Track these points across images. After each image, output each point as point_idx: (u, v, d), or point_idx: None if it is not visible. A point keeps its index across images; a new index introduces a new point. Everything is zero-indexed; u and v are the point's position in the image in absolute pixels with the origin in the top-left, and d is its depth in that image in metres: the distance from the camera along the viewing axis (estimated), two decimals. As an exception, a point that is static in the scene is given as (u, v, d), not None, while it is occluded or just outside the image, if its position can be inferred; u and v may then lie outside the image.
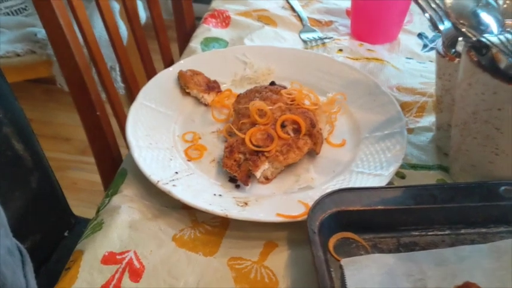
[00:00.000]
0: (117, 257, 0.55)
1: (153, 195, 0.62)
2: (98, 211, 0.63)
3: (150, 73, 1.13)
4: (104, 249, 0.56)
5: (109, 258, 0.55)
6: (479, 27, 0.52)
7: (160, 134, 0.69)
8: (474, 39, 0.52)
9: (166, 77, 0.78)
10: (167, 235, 0.58)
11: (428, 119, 0.76)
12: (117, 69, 1.74)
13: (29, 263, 0.45)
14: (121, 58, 1.02)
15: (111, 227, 0.58)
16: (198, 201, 0.59)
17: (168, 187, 0.60)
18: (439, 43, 0.64)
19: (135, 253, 0.56)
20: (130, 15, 1.05)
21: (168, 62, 1.19)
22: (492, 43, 0.49)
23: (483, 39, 0.50)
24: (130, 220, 0.59)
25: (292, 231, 0.59)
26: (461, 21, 0.53)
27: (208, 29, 0.94)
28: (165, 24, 1.15)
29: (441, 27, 0.61)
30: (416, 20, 0.98)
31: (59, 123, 2.09)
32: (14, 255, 0.43)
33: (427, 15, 0.61)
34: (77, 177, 1.86)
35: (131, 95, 1.08)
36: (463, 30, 0.52)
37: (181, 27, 1.25)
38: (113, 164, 1.06)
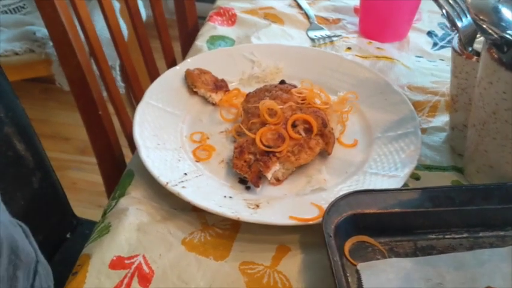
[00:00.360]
0: (126, 261, 0.53)
1: (162, 197, 0.60)
2: (104, 213, 0.61)
3: (152, 72, 1.12)
4: (112, 253, 0.54)
5: (117, 263, 0.53)
6: (500, 23, 0.51)
7: (167, 134, 0.67)
8: (496, 35, 0.50)
9: (173, 76, 0.76)
10: (177, 238, 0.56)
11: (441, 119, 0.74)
12: (117, 68, 1.72)
13: (31, 235, 0.45)
14: (122, 56, 1.00)
15: (118, 230, 0.56)
16: (208, 204, 0.57)
17: (177, 189, 0.58)
18: (455, 41, 0.62)
19: (143, 257, 0.54)
20: (132, 13, 1.03)
21: (170, 61, 1.17)
22: (516, 40, 0.48)
23: (507, 36, 0.48)
24: (138, 223, 0.57)
25: (305, 234, 0.58)
26: (481, 18, 0.51)
27: (214, 27, 0.92)
28: (167, 22, 1.13)
29: (458, 24, 0.59)
30: (426, 18, 0.96)
31: (58, 122, 2.07)
32: (16, 226, 0.43)
33: (444, 11, 0.59)
34: (77, 177, 1.84)
35: (133, 93, 1.07)
36: (484, 26, 0.51)
37: (183, 26, 1.23)
38: (115, 163, 1.04)
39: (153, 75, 1.11)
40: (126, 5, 1.03)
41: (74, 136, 2.00)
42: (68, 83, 0.96)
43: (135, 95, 1.05)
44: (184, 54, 1.21)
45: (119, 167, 1.03)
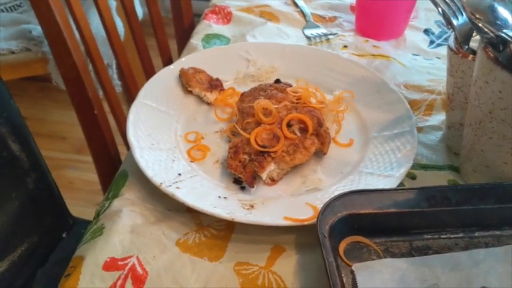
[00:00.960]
0: (119, 262, 0.53)
1: (156, 198, 0.60)
2: (97, 215, 0.61)
3: (148, 70, 1.11)
4: (106, 255, 0.54)
5: (111, 265, 0.53)
6: (496, 22, 0.50)
7: (162, 134, 0.67)
8: (492, 34, 0.49)
9: (167, 75, 0.75)
10: (171, 240, 0.56)
11: (437, 118, 0.74)
12: (114, 66, 1.72)
13: None
14: (118, 55, 1.00)
15: (112, 231, 0.56)
16: (202, 204, 0.57)
17: (171, 190, 0.58)
18: (451, 39, 0.62)
19: (137, 259, 0.54)
20: (127, 12, 1.03)
21: (166, 59, 1.17)
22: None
23: (502, 35, 0.48)
24: (132, 224, 0.57)
25: (300, 235, 0.57)
26: (477, 16, 0.51)
27: (209, 25, 0.92)
28: (163, 20, 1.13)
29: (454, 22, 0.59)
30: (422, 16, 0.96)
31: (55, 121, 2.06)
32: None
33: (440, 9, 0.59)
34: (73, 176, 1.84)
35: (129, 92, 1.06)
36: (480, 25, 0.50)
37: (179, 24, 1.23)
38: (111, 163, 1.04)
39: (149, 73, 1.10)
40: (121, 3, 1.02)
41: (71, 135, 2.00)
42: (63, 82, 0.96)
43: (131, 93, 1.05)
44: (181, 52, 1.20)
45: (115, 166, 1.03)
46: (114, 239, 0.55)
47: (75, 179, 1.84)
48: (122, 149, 1.02)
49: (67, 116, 2.03)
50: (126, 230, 0.56)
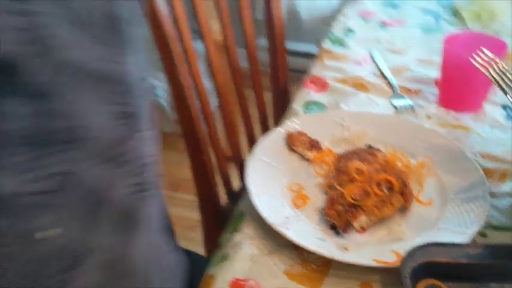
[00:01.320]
0: (241, 282, 0.68)
1: (269, 234, 0.74)
2: (221, 244, 0.76)
3: (246, 121, 1.27)
4: (231, 275, 0.69)
5: (236, 283, 0.68)
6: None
7: (272, 183, 0.83)
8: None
9: (276, 136, 0.91)
10: (280, 269, 0.70)
11: (510, 185, 0.84)
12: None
13: None
14: (223, 107, 1.17)
15: (235, 258, 0.71)
16: (306, 243, 0.71)
17: (282, 229, 0.72)
18: (521, 121, 0.73)
19: (255, 281, 0.68)
20: (233, 69, 1.20)
21: (262, 110, 1.33)
22: None
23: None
24: (250, 254, 0.72)
25: (385, 276, 0.70)
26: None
27: (308, 93, 1.08)
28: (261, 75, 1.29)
29: (523, 108, 0.71)
30: (501, 92, 1.06)
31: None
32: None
33: (508, 97, 0.71)
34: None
35: (229, 140, 1.23)
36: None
37: (275, 78, 1.39)
38: (213, 202, 1.21)
39: (247, 123, 1.27)
40: (228, 61, 1.20)
41: (165, 173, 2.20)
42: (180, 130, 1.13)
43: (231, 141, 1.22)
44: (275, 104, 1.37)
45: (216, 206, 1.20)
46: (237, 265, 0.71)
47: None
48: (220, 189, 1.18)
49: (164, 155, 2.25)
50: (246, 258, 0.71)
